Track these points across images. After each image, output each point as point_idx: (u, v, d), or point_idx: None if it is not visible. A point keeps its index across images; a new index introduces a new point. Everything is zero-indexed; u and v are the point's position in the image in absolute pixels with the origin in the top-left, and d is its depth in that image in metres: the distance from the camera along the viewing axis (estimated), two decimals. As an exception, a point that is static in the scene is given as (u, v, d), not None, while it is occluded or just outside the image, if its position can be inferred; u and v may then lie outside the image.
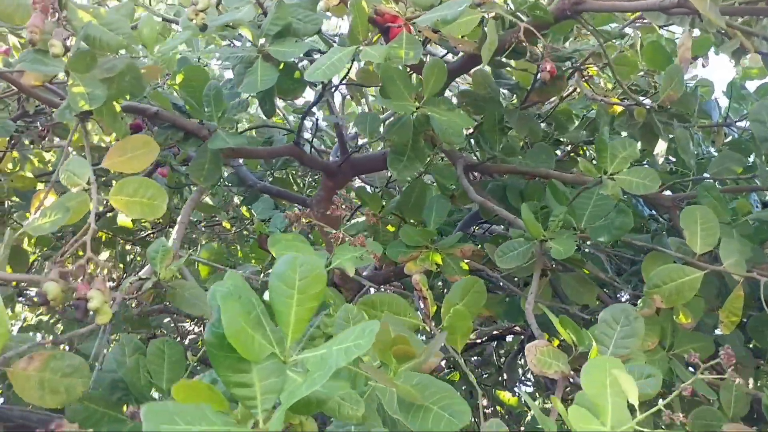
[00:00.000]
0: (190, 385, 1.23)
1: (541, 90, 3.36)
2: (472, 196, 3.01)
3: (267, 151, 3.32)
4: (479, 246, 3.14)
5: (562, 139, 4.25)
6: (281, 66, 2.86)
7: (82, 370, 1.82)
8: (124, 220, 4.04)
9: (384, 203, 3.33)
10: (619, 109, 3.71)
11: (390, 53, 2.39)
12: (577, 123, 4.32)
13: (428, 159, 3.28)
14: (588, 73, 4.12)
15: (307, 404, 1.33)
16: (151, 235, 4.46)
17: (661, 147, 3.69)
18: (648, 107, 3.52)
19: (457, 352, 2.13)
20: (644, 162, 3.98)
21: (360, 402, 1.44)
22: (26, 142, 3.87)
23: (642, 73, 3.60)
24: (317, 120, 3.75)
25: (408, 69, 2.90)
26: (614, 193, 2.42)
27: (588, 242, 2.80)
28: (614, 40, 3.29)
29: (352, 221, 3.43)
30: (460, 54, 3.00)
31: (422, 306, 2.55)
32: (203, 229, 4.89)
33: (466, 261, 3.03)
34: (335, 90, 3.71)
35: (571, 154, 4.34)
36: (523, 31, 2.47)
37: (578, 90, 4.07)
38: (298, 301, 1.44)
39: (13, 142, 3.92)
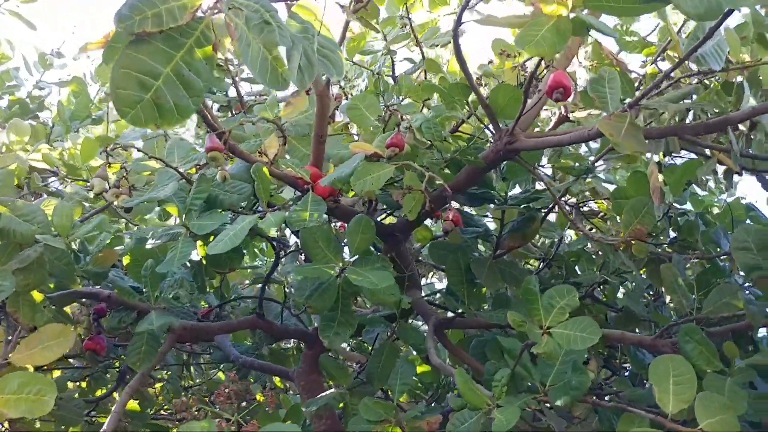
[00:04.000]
0: None
1: (515, 235, 3.10)
2: (432, 360, 2.72)
3: (224, 326, 3.18)
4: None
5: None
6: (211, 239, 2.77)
7: None
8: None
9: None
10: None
11: (290, 217, 2.25)
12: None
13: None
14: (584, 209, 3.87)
15: None
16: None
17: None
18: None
19: None
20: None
21: None
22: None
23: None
24: (285, 286, 3.60)
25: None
26: (548, 352, 2.09)
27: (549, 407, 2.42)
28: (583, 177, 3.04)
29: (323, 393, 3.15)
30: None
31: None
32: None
33: (434, 435, 2.69)
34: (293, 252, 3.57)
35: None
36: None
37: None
38: None
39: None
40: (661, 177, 2.81)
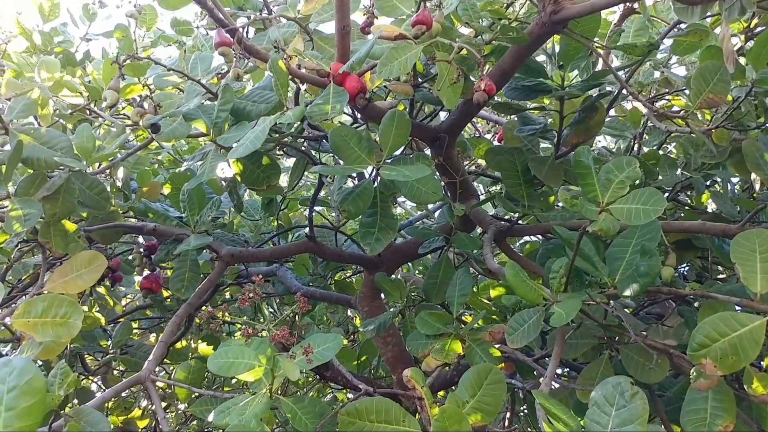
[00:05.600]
0: None
1: (577, 128, 2.80)
2: (490, 265, 2.49)
3: (275, 251, 3.03)
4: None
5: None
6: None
7: None
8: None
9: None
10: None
11: (311, 111, 2.06)
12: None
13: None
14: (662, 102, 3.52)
15: None
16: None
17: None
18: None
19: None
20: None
21: None
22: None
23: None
24: (337, 210, 3.42)
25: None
26: (603, 230, 1.82)
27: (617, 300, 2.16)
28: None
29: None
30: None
31: (420, 409, 2.07)
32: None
33: (497, 346, 2.48)
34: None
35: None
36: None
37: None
38: (5, 420, 1.09)
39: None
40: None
